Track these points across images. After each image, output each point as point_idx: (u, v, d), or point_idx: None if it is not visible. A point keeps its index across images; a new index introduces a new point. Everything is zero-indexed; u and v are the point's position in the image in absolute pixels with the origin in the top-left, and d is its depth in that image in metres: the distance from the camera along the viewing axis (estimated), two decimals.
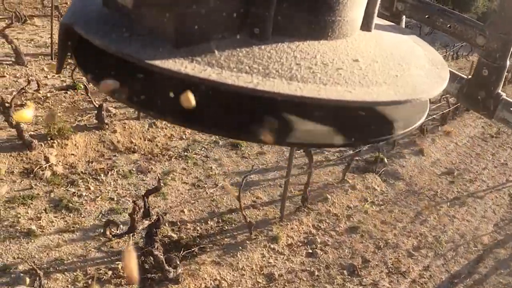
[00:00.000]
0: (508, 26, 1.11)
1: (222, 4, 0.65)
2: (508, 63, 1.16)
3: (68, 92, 10.12)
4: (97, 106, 8.86)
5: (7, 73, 10.43)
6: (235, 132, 0.69)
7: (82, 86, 9.98)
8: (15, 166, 7.76)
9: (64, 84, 10.39)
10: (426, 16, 1.21)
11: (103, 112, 8.84)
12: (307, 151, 7.96)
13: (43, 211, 7.06)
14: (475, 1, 27.33)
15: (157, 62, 0.59)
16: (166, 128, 9.57)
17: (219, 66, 0.61)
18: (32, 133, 8.31)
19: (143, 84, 0.69)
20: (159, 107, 0.69)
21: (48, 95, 9.78)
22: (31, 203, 7.15)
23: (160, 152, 8.99)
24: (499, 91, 1.18)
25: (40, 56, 11.65)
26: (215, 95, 0.66)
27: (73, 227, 6.89)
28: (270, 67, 0.63)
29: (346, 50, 0.72)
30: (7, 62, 10.88)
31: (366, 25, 0.81)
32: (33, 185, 7.50)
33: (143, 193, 6.08)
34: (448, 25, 1.18)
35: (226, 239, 7.35)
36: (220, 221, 7.71)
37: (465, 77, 1.24)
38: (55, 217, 7.02)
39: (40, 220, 6.87)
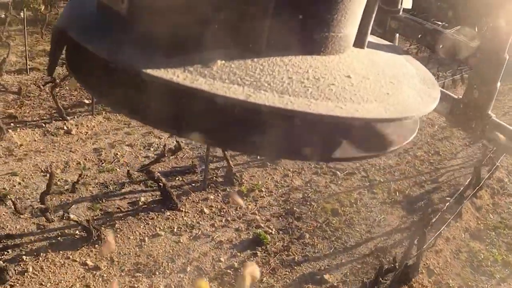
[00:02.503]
0: (498, 47, 1.13)
1: (216, 15, 0.65)
2: (498, 84, 1.18)
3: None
4: None
5: (159, 228, 6.85)
6: (234, 143, 0.71)
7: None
8: None
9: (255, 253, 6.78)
10: (419, 36, 1.22)
11: None
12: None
13: None
14: None
15: (149, 70, 0.59)
16: None
17: (211, 76, 0.62)
18: None
19: (135, 91, 0.69)
20: (151, 116, 0.69)
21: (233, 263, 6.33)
22: None
23: None
24: (489, 112, 1.20)
25: (177, 177, 8.03)
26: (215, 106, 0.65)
27: None
28: (262, 79, 0.64)
29: (339, 66, 0.73)
30: (153, 207, 7.21)
31: (359, 42, 0.81)
32: None
33: None
34: (441, 45, 1.19)
35: None
36: None
37: (456, 97, 1.25)
38: None
39: None
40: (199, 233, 7.01)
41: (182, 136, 0.71)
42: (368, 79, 0.74)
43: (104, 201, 7.31)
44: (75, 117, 9.49)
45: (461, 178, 9.60)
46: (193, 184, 8.05)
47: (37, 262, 6.04)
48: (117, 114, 9.64)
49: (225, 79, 0.62)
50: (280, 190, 8.48)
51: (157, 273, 6.14)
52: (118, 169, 8.05)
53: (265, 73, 0.65)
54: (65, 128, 8.95)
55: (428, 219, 6.81)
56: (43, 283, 5.77)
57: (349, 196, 8.66)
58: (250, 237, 7.14)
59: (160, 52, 0.63)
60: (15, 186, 7.29)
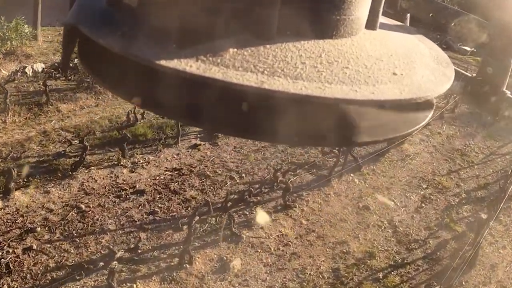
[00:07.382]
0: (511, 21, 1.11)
1: (227, 3, 0.65)
2: None
3: None
4: None
5: None
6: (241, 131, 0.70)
7: None
8: None
9: None
10: (431, 14, 1.20)
11: None
12: None
13: None
14: None
15: (162, 62, 0.59)
16: None
17: (224, 65, 0.62)
18: None
19: (149, 83, 0.69)
20: (166, 107, 0.69)
21: None
22: None
23: None
24: (504, 89, 1.18)
25: None
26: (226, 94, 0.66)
27: None
28: (275, 66, 0.63)
29: (351, 49, 0.72)
30: None
31: (371, 24, 0.81)
32: None
33: None
34: (452, 23, 1.17)
35: None
36: None
37: (470, 75, 1.23)
38: None
39: None
40: None
41: (197, 125, 0.71)
42: (382, 61, 0.73)
43: None
44: None
45: None
46: None
47: None
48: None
49: (238, 67, 0.62)
50: None
51: None
52: None
53: (278, 59, 0.65)
54: None
55: None
56: None
57: None
58: None
59: (172, 43, 0.63)
60: None
